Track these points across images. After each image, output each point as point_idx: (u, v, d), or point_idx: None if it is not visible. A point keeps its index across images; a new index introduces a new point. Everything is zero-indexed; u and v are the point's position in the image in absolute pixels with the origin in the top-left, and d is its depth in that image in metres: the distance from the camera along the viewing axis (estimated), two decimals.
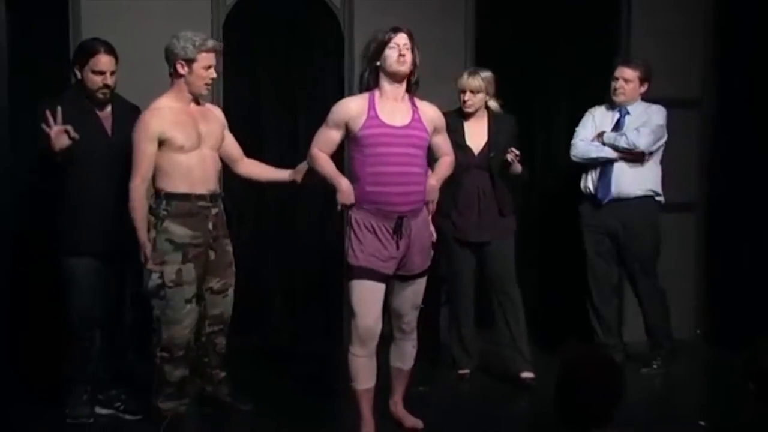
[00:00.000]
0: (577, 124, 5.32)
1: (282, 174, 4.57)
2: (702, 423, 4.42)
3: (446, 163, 4.41)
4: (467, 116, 5.05)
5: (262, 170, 4.65)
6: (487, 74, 5.01)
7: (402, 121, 4.16)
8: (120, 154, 4.34)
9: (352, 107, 4.19)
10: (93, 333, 4.49)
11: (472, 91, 4.98)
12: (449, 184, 4.86)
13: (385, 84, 4.16)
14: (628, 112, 5.21)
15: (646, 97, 5.23)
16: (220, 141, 4.42)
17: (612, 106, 5.24)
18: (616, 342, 5.33)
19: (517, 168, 5.00)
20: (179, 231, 4.22)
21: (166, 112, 4.21)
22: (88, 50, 4.35)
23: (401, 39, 4.14)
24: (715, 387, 5.16)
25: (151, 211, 4.23)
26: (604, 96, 5.36)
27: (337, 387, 4.77)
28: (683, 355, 5.43)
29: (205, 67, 4.21)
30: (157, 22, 5.14)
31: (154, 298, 4.24)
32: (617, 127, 5.19)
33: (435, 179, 4.32)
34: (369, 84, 4.18)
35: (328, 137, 4.22)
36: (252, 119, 5.60)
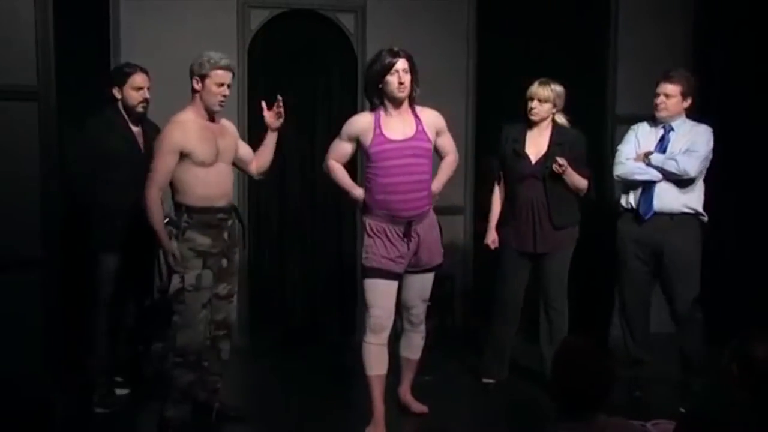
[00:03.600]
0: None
1: (269, 139, 4.56)
2: (682, 410, 4.47)
3: (448, 162, 4.67)
4: (531, 125, 4.98)
5: (261, 153, 4.59)
6: (558, 87, 4.94)
7: (406, 134, 4.39)
8: (147, 167, 4.58)
9: (361, 123, 4.47)
10: (117, 325, 4.76)
11: (539, 100, 4.92)
12: (507, 193, 5.03)
13: (388, 104, 4.42)
14: (672, 129, 4.94)
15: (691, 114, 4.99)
16: (233, 155, 4.45)
17: (655, 122, 4.98)
18: (648, 356, 5.11)
19: (574, 180, 4.90)
20: (201, 240, 4.27)
21: (189, 125, 4.24)
22: (127, 71, 4.78)
23: (401, 65, 4.34)
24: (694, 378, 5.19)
25: (172, 223, 4.25)
26: (592, 113, 5.58)
27: (350, 374, 5.04)
28: (666, 348, 5.26)
29: (218, 84, 4.23)
30: (188, 46, 5.25)
31: (175, 303, 4.26)
32: (661, 143, 4.94)
33: (437, 184, 4.58)
34: (376, 104, 4.45)
35: (341, 149, 4.54)
36: None
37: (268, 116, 4.55)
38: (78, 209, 4.76)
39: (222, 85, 4.27)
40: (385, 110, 4.44)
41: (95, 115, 4.79)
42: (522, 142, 5.00)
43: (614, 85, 6.20)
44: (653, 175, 4.92)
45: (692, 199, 4.95)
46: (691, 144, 4.89)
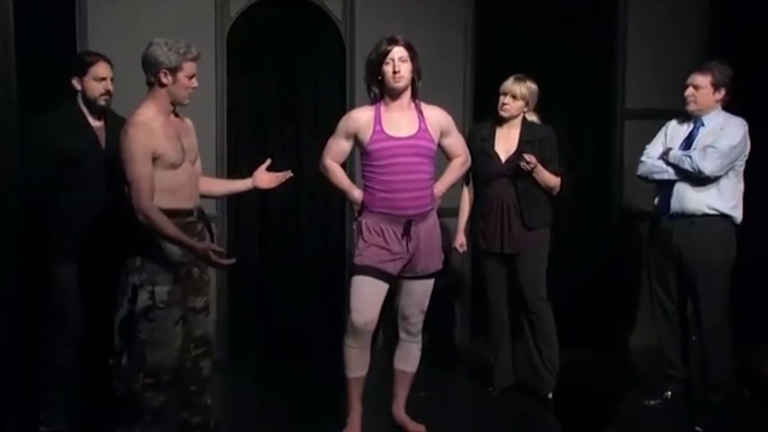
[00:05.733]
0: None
1: (242, 184, 4.45)
2: (698, 429, 4.50)
3: (457, 164, 4.53)
4: (501, 122, 4.93)
5: (217, 185, 4.52)
6: (533, 86, 4.89)
7: (408, 131, 4.28)
8: (111, 165, 4.32)
9: (360, 119, 4.34)
10: (70, 339, 4.46)
11: (513, 96, 4.86)
12: (477, 194, 4.98)
13: (388, 97, 4.29)
14: (702, 124, 4.73)
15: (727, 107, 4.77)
16: (196, 155, 4.22)
17: (686, 117, 4.79)
18: (681, 373, 4.93)
19: (545, 177, 4.83)
20: (170, 249, 4.02)
21: (153, 126, 3.99)
22: (88, 60, 4.49)
23: (397, 53, 4.25)
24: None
25: (140, 228, 3.95)
26: (599, 108, 5.40)
27: (340, 386, 4.82)
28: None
29: (189, 76, 4.05)
30: (161, 36, 5.17)
31: (142, 321, 4.01)
32: (689, 140, 4.74)
33: (441, 186, 4.45)
34: (376, 96, 4.31)
35: (338, 148, 4.40)
36: (256, 129, 5.72)
37: (264, 177, 4.35)
38: (32, 216, 4.42)
39: (194, 76, 4.09)
40: (385, 104, 4.31)
41: (51, 110, 4.51)
42: (491, 141, 4.94)
43: (623, 78, 6.02)
44: (670, 174, 4.75)
45: (714, 199, 4.70)
46: (715, 140, 4.66)
